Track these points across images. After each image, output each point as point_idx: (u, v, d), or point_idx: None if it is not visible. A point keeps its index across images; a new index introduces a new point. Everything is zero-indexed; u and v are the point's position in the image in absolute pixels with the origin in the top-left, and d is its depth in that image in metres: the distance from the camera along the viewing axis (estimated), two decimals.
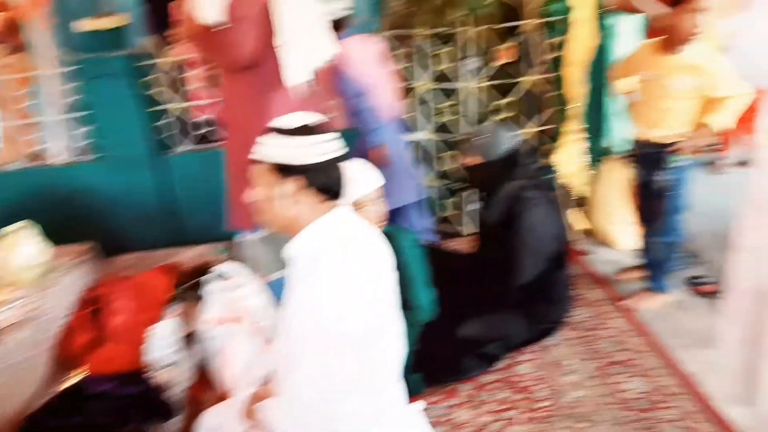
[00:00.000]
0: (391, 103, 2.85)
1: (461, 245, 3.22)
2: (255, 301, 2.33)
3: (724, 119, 2.25)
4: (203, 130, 3.53)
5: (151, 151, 3.42)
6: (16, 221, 2.70)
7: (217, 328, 2.24)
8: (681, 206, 2.46)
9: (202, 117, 3.52)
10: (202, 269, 2.91)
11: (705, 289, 2.72)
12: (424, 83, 3.21)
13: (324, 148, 1.31)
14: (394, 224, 2.12)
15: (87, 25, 3.30)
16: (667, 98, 2.32)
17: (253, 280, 2.41)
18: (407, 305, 2.01)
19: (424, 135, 3.32)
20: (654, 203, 2.48)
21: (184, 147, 3.51)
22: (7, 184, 3.48)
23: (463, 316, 2.29)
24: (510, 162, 2.31)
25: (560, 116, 3.06)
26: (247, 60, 2.11)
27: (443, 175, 3.39)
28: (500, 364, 2.33)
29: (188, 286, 2.77)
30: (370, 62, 2.77)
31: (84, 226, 3.29)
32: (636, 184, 2.59)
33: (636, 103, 2.52)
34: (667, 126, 2.35)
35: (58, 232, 2.78)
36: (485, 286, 2.41)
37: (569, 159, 2.98)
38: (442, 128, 3.28)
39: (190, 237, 3.43)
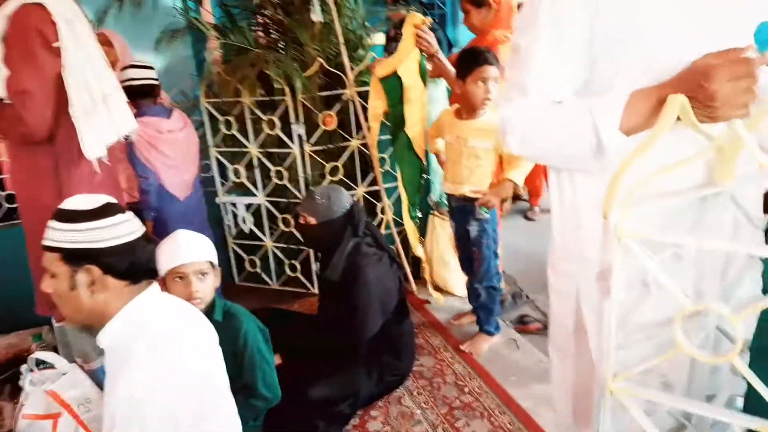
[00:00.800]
0: (186, 180, 2.88)
1: (306, 306, 3.21)
2: (78, 392, 2.10)
3: (522, 174, 2.51)
4: (12, 205, 3.18)
5: None
6: None
7: (38, 423, 1.97)
8: (495, 252, 2.68)
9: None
10: (16, 359, 2.59)
11: (531, 327, 2.96)
12: (251, 148, 3.21)
13: (117, 230, 1.24)
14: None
15: None
16: (469, 158, 2.56)
17: (74, 369, 2.17)
18: (250, 389, 1.95)
19: (259, 199, 3.30)
20: (471, 251, 2.68)
21: None
22: None
23: (313, 377, 2.26)
24: (344, 221, 2.37)
25: (388, 177, 3.21)
26: (37, 134, 1.92)
27: (283, 238, 3.37)
28: (352, 422, 2.31)
29: (2, 379, 2.45)
30: (165, 141, 2.76)
31: None
32: (455, 234, 2.79)
33: (445, 162, 2.74)
34: (472, 182, 2.58)
35: None
36: (331, 345, 2.40)
37: (401, 214, 3.12)
38: (274, 192, 3.29)
39: (1, 324, 3.04)
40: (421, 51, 2.76)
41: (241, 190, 3.41)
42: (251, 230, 3.40)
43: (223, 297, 2.10)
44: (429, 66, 2.86)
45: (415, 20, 2.70)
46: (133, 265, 1.26)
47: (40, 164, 2.02)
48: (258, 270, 3.50)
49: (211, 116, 3.25)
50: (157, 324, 1.25)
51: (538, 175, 4.54)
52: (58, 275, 1.22)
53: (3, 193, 3.21)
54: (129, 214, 1.29)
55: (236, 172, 3.31)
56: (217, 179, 3.38)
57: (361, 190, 3.22)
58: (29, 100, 1.86)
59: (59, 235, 1.21)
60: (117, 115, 2.09)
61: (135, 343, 1.20)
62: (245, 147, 3.23)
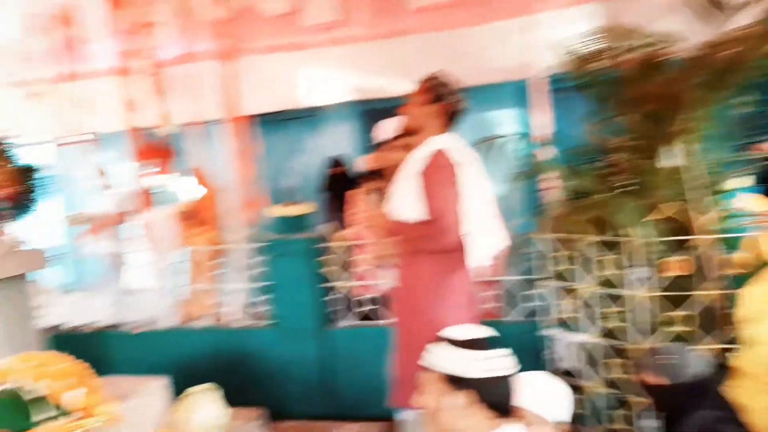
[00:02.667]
0: None
1: None
2: None
3: None
4: (366, 308, 3.72)
5: (317, 324, 3.65)
6: (193, 375, 2.95)
7: None
8: None
9: (366, 296, 3.74)
10: None
11: None
12: (587, 286, 3.20)
13: (497, 363, 1.33)
14: None
15: (277, 211, 3.81)
16: None
17: None
18: None
19: (589, 338, 3.24)
20: None
21: (347, 322, 3.71)
22: (189, 340, 3.84)
23: None
24: (699, 388, 2.16)
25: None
26: (450, 245, 2.43)
27: (611, 384, 3.21)
28: None
29: None
30: None
31: (253, 388, 3.49)
32: None
33: None
34: None
35: (229, 392, 2.95)
36: None
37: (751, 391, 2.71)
38: (608, 334, 3.18)
39: (347, 410, 3.50)
40: None
41: (560, 323, 3.41)
42: (566, 370, 3.32)
43: None
44: None
45: None
46: (503, 399, 1.34)
47: (427, 270, 2.51)
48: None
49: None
50: None
51: None
52: (434, 394, 1.35)
53: (362, 298, 3.76)
54: (506, 350, 1.39)
55: (564, 308, 3.33)
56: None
57: (709, 347, 2.92)
58: (448, 219, 2.41)
59: (443, 360, 1.35)
60: (499, 232, 2.69)
61: None
62: (575, 283, 3.24)
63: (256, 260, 3.83)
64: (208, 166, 5.07)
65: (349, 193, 4.11)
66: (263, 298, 3.83)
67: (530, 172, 3.45)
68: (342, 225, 4.10)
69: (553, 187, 3.56)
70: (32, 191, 4.36)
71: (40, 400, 2.28)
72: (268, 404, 3.19)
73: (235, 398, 2.97)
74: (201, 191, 5.18)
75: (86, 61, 5.10)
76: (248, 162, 5.10)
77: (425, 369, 1.40)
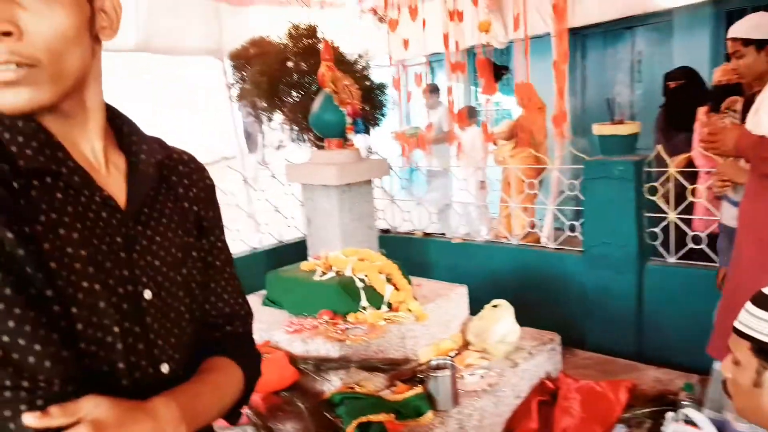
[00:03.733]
0: None
1: None
2: None
3: None
4: (696, 245, 3.20)
5: (635, 256, 3.30)
6: (495, 289, 2.97)
7: None
8: None
9: (703, 233, 3.20)
10: (662, 399, 2.62)
11: None
12: None
13: None
14: None
15: (604, 130, 3.45)
16: None
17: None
18: None
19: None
20: None
21: (671, 259, 3.27)
22: (497, 256, 3.91)
23: None
24: None
25: None
26: None
27: None
28: None
29: (644, 414, 2.53)
30: None
31: (551, 312, 3.40)
32: None
33: None
34: None
35: (526, 312, 2.91)
36: None
37: None
38: None
39: (650, 353, 3.18)
40: None
41: None
42: None
43: None
44: None
45: None
46: None
47: None
48: None
49: None
50: None
51: None
52: (743, 365, 1.07)
53: (700, 234, 3.23)
54: None
55: None
56: None
57: None
58: None
59: (754, 322, 1.05)
60: None
61: None
62: None
63: (573, 182, 3.61)
64: (532, 83, 4.93)
65: (692, 111, 3.51)
66: (576, 222, 3.61)
67: None
68: (677, 148, 3.53)
69: None
70: (378, 107, 4.88)
71: (366, 290, 2.62)
72: (564, 331, 3.05)
73: (531, 319, 2.93)
74: (524, 109, 5.08)
75: None
76: (570, 78, 4.77)
77: (736, 331, 1.11)
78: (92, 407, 0.66)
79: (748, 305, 1.11)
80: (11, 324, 0.64)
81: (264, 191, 4.45)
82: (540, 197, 4.03)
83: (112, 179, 0.79)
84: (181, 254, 0.84)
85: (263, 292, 2.93)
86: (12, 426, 0.64)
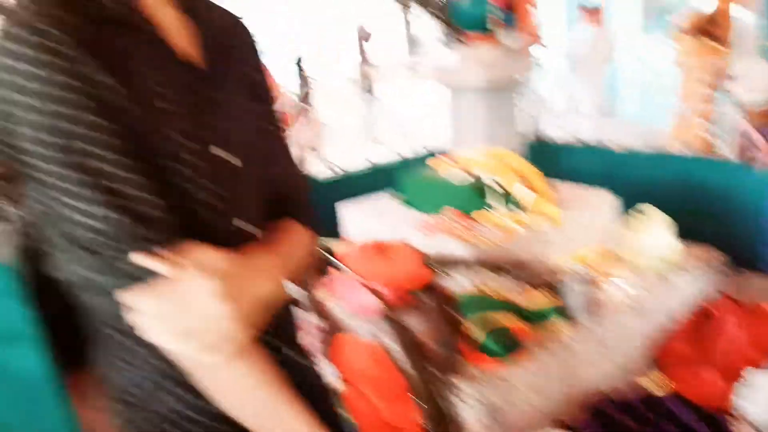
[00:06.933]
0: None
1: None
2: None
3: None
4: None
5: None
6: (656, 204, 2.64)
7: None
8: None
9: None
10: None
11: None
12: None
13: None
14: None
15: None
16: None
17: None
18: None
19: None
20: None
21: None
22: (663, 166, 3.46)
23: None
24: None
25: None
26: None
27: None
28: None
29: None
30: None
31: (720, 231, 2.98)
32: None
33: None
34: None
35: (691, 229, 2.59)
36: None
37: None
38: None
39: None
40: None
41: None
42: None
43: None
44: None
45: None
46: None
47: None
48: None
49: None
50: None
51: None
52: None
53: None
54: None
55: None
56: None
57: None
58: None
59: None
60: None
61: None
62: None
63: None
64: None
65: None
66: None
67: None
68: None
69: None
70: None
71: (494, 190, 2.49)
72: (734, 251, 2.65)
73: (695, 236, 2.60)
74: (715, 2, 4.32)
75: None
76: None
77: None
78: (200, 254, 0.68)
79: None
80: (122, 174, 0.65)
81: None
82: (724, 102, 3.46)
83: (186, 42, 0.77)
84: (250, 118, 0.84)
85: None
86: (130, 269, 0.65)
